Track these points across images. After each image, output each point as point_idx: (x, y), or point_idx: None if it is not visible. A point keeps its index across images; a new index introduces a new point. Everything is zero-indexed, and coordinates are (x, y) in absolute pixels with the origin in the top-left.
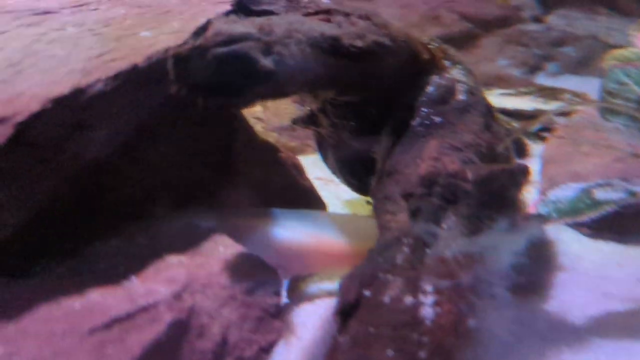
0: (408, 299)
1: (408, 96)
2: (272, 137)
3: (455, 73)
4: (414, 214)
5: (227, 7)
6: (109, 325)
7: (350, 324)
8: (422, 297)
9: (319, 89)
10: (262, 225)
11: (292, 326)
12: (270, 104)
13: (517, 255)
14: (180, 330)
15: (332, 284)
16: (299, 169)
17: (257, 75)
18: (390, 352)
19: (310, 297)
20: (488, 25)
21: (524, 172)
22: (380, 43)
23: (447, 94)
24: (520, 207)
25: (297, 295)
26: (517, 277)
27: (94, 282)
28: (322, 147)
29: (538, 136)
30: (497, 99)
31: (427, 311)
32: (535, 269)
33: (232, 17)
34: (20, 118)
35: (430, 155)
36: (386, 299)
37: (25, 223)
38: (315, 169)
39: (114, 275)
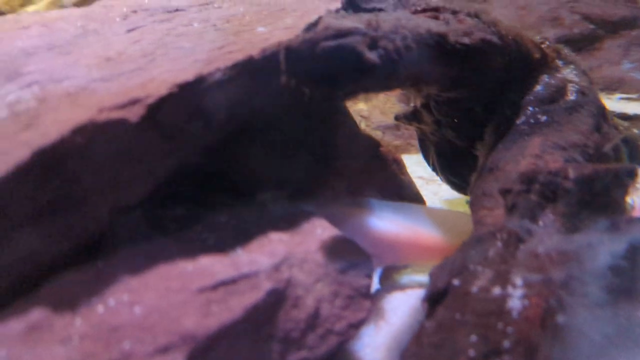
0: (496, 290)
1: (516, 94)
2: (376, 136)
3: (568, 73)
4: (511, 210)
5: (338, 4)
6: (215, 287)
7: (437, 310)
8: (510, 290)
9: (423, 84)
10: (360, 214)
11: (382, 312)
12: (376, 102)
13: (615, 257)
14: (278, 299)
15: (425, 276)
16: (399, 164)
17: (362, 68)
18: (474, 338)
19: (402, 287)
20: (613, 27)
21: (631, 173)
22: (488, 41)
23: (557, 93)
24: (625, 210)
25: (390, 284)
26: (614, 279)
27: (205, 251)
28: (424, 145)
29: None
30: (618, 103)
31: (515, 303)
32: (637, 273)
33: (342, 13)
34: (151, 100)
35: (532, 153)
36: (474, 288)
37: (147, 195)
38: (418, 168)
39: (222, 246)
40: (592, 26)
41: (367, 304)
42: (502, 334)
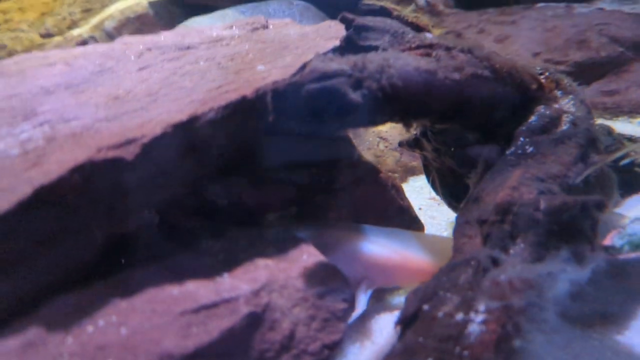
0: (459, 316)
1: (510, 125)
2: (393, 156)
3: (565, 103)
4: (485, 239)
5: (337, 42)
6: (196, 310)
7: (406, 334)
8: (472, 315)
9: (412, 119)
10: (353, 239)
11: (369, 332)
12: (395, 124)
13: (575, 284)
14: (255, 322)
15: None
16: (398, 190)
17: (346, 107)
18: None
19: (391, 308)
20: None
21: (599, 205)
22: (479, 75)
23: (550, 124)
24: (592, 239)
25: (379, 305)
26: (573, 305)
27: (193, 276)
28: (427, 170)
29: None
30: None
31: (474, 328)
32: (598, 299)
33: (330, 55)
34: (145, 140)
35: (510, 185)
36: (440, 314)
37: (143, 223)
38: (431, 190)
39: (211, 270)
40: (620, 49)
41: (342, 326)
42: (457, 357)
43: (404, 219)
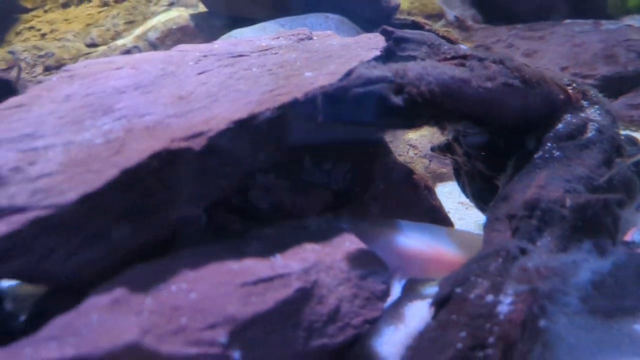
0: (489, 297)
1: (539, 132)
2: (422, 163)
3: (591, 112)
4: (514, 232)
5: (377, 52)
6: (255, 282)
7: (440, 313)
8: (502, 297)
9: (446, 123)
10: (389, 232)
11: (402, 316)
12: (424, 132)
13: (597, 273)
14: (305, 296)
15: None
16: (430, 190)
17: (388, 110)
18: (463, 334)
19: (423, 297)
20: None
21: (620, 203)
22: (510, 84)
23: (576, 131)
24: (614, 234)
25: (412, 294)
26: (594, 292)
27: (250, 255)
28: (458, 174)
29: None
30: None
31: (503, 308)
32: (618, 290)
33: (373, 63)
34: (211, 133)
35: (537, 184)
36: (472, 295)
37: (208, 207)
38: (460, 195)
39: (264, 251)
40: None
41: (381, 305)
42: (487, 331)
43: (435, 218)
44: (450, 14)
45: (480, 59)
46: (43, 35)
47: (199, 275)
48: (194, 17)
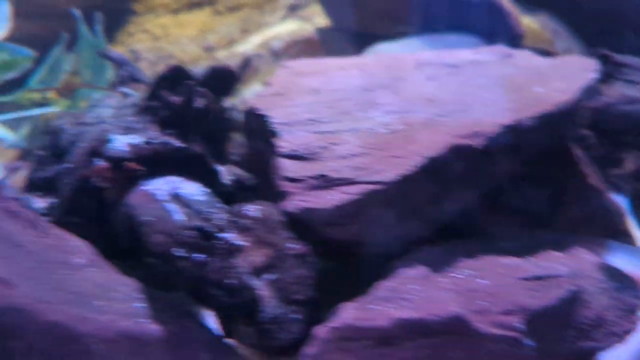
0: None
1: None
2: None
3: None
4: None
5: (592, 74)
6: (531, 279)
7: None
8: None
9: None
10: (598, 251)
11: None
12: None
13: None
14: (575, 298)
15: None
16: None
17: None
18: None
19: None
20: None
21: None
22: None
23: None
24: None
25: None
26: None
27: (511, 254)
28: None
29: None
30: None
31: None
32: None
33: (621, 83)
34: (488, 134)
35: None
36: None
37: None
38: None
39: (520, 252)
40: None
41: (634, 318)
42: None
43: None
44: None
45: None
46: (157, 38)
47: (481, 265)
48: (320, 30)
